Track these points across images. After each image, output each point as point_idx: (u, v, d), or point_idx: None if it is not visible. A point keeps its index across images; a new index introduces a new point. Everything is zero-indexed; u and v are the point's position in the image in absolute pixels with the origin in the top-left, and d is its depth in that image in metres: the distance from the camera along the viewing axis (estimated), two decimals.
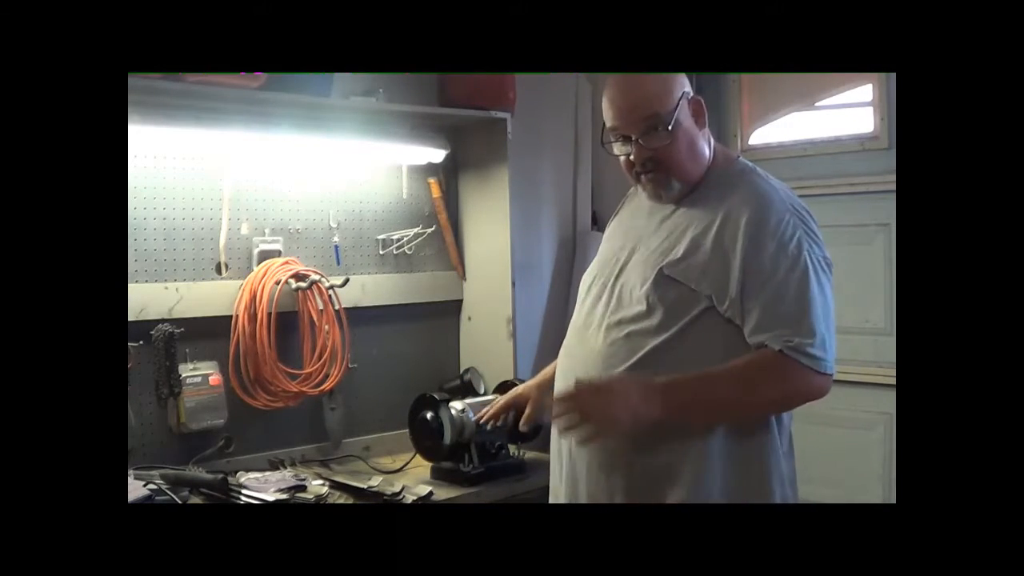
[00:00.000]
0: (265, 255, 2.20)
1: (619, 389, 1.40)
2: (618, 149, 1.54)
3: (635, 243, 1.57)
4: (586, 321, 1.57)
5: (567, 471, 1.57)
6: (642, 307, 1.47)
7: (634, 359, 1.46)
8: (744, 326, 1.43)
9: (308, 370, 2.18)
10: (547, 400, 1.78)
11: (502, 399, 1.99)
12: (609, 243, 1.66)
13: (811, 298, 1.40)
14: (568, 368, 1.58)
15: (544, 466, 1.75)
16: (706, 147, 1.55)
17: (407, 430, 2.17)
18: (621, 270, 1.55)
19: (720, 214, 1.46)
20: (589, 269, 1.67)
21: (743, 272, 1.41)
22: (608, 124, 1.54)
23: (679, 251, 1.47)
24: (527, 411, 1.86)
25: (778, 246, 1.42)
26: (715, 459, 1.44)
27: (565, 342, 1.64)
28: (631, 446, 1.45)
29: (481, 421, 2.00)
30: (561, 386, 1.57)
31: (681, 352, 1.44)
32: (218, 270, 2.14)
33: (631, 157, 1.52)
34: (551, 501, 1.64)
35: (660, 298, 1.45)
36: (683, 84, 1.53)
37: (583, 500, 1.53)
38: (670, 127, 1.47)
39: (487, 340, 2.47)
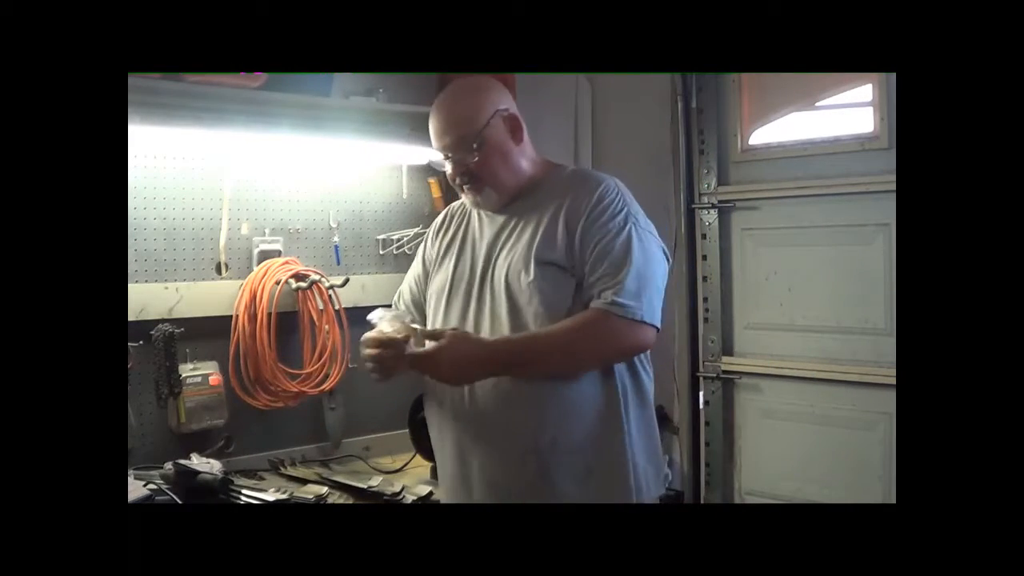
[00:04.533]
0: (265, 255, 2.20)
1: (448, 356, 1.51)
2: (445, 163, 1.69)
3: (491, 249, 1.65)
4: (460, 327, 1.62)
5: (459, 475, 1.63)
6: (524, 298, 1.56)
7: None
8: (583, 282, 1.56)
9: (308, 370, 2.19)
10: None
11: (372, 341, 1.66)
12: (454, 256, 1.72)
13: (631, 258, 1.53)
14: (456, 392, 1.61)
15: None
16: (522, 159, 1.67)
17: (407, 430, 2.17)
18: (485, 275, 1.63)
19: (566, 198, 1.60)
20: (437, 284, 1.72)
21: (581, 239, 1.55)
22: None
23: (542, 239, 1.58)
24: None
25: (609, 216, 1.56)
26: (619, 430, 1.57)
27: None
28: (549, 431, 1.54)
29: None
30: (443, 399, 1.64)
31: None
32: (218, 270, 2.14)
33: (449, 171, 1.67)
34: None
35: (539, 287, 1.55)
36: (496, 103, 1.64)
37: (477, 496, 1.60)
38: (476, 146, 1.61)
39: None
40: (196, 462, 1.84)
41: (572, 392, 1.56)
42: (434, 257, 1.78)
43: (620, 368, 1.59)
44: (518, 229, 1.63)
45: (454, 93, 1.65)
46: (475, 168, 1.62)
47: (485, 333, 1.59)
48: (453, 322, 1.65)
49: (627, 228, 1.56)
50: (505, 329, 1.57)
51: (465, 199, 1.71)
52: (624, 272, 1.52)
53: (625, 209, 1.59)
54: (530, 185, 1.67)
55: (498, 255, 1.63)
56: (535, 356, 1.52)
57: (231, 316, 2.10)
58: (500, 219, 1.67)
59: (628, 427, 1.58)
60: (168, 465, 1.81)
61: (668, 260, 1.64)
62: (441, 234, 1.80)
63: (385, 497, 1.93)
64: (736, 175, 2.87)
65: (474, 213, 1.74)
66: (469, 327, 1.61)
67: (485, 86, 1.66)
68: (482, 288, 1.63)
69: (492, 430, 1.58)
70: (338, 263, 2.36)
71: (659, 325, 1.55)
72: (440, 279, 1.72)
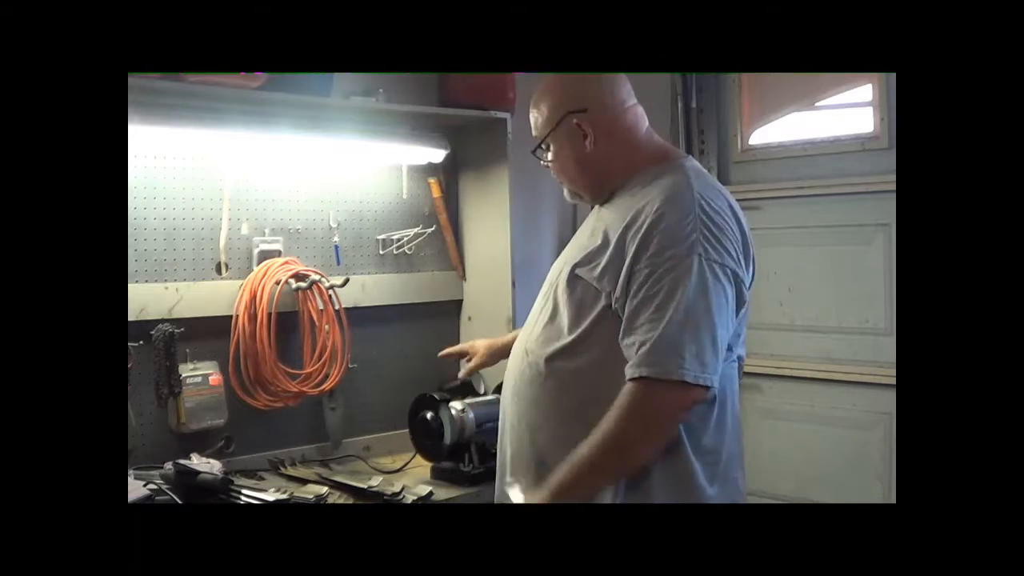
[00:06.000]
0: (265, 255, 2.20)
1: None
2: None
3: (573, 245, 1.63)
4: (529, 321, 1.65)
5: (499, 464, 1.63)
6: (556, 307, 1.52)
7: (543, 361, 1.51)
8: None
9: (308, 370, 2.18)
10: (489, 362, 2.10)
11: (459, 346, 2.23)
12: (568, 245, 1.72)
13: (675, 304, 1.35)
14: (508, 366, 1.65)
15: None
16: (601, 161, 1.56)
17: (407, 430, 2.17)
18: (561, 271, 1.59)
19: (630, 213, 1.47)
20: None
21: (629, 269, 1.41)
22: None
23: (590, 251, 1.50)
24: (469, 364, 2.12)
25: (664, 246, 1.39)
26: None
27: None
28: (540, 445, 1.51)
29: (439, 354, 2.22)
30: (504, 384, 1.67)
31: (584, 351, 1.47)
32: (218, 270, 2.14)
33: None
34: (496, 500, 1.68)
35: (569, 298, 1.50)
36: (567, 105, 1.57)
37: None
38: (548, 147, 1.61)
39: None
40: (196, 462, 1.84)
41: (564, 414, 1.49)
42: None
43: None
44: (591, 228, 1.57)
45: (536, 92, 1.64)
46: (553, 167, 1.63)
47: (533, 329, 1.57)
48: (533, 312, 1.64)
49: (682, 266, 1.36)
50: (538, 329, 1.55)
51: None
52: (662, 323, 1.34)
53: (692, 237, 1.38)
54: (629, 182, 1.55)
55: (571, 253, 1.60)
56: (582, 475, 1.39)
57: (231, 316, 2.10)
58: (596, 213, 1.62)
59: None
60: (168, 465, 1.81)
61: (745, 291, 1.46)
62: None
63: (385, 497, 1.93)
64: (736, 175, 2.87)
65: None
66: (531, 318, 1.62)
67: (556, 86, 1.60)
68: (550, 287, 1.60)
69: (515, 430, 1.57)
70: (338, 263, 2.36)
71: (710, 384, 1.35)
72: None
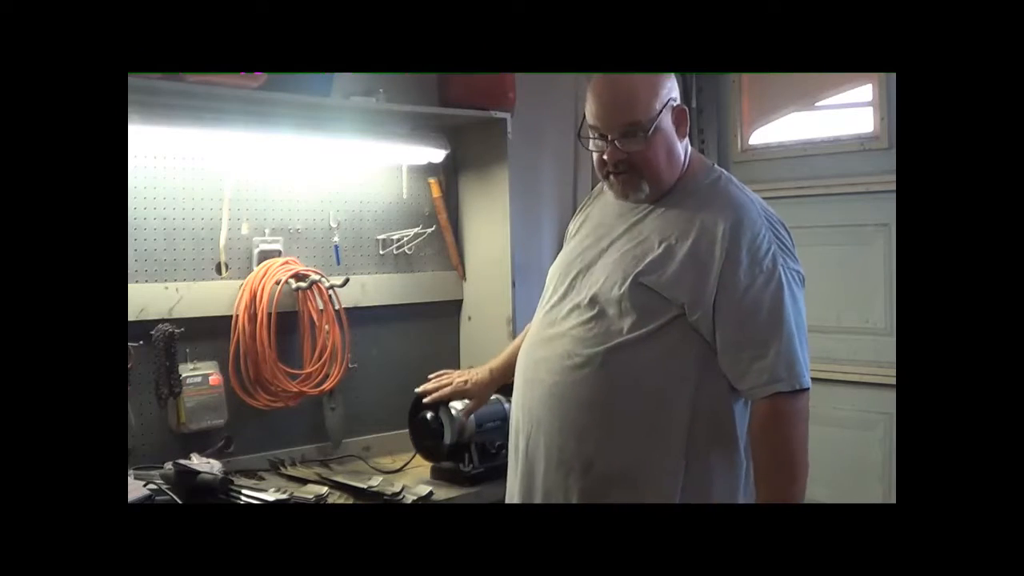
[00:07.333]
0: (265, 255, 2.20)
1: None
2: (594, 146, 1.55)
3: (605, 242, 1.57)
4: (548, 318, 1.58)
5: (522, 468, 1.59)
6: (613, 309, 1.48)
7: (599, 359, 1.47)
8: (717, 342, 1.44)
9: (308, 370, 2.18)
10: (488, 396, 1.96)
11: (448, 388, 1.95)
12: (576, 240, 1.66)
13: (782, 326, 1.41)
14: (530, 365, 1.58)
15: None
16: (682, 154, 1.56)
17: (407, 430, 2.17)
18: (589, 268, 1.56)
19: (696, 223, 1.47)
20: (554, 266, 1.67)
21: (718, 285, 1.43)
22: (588, 120, 1.54)
23: (653, 259, 1.47)
24: (469, 405, 1.96)
25: (752, 260, 1.43)
26: (671, 470, 1.46)
27: (527, 339, 1.65)
28: (589, 448, 1.48)
29: (424, 400, 1.99)
30: (521, 384, 1.60)
31: (646, 352, 1.45)
32: (218, 270, 2.14)
33: (605, 156, 1.52)
34: (507, 500, 1.65)
35: (632, 304, 1.46)
36: (670, 91, 1.53)
37: (538, 497, 1.54)
38: (648, 133, 1.48)
39: (487, 340, 2.47)
40: (196, 462, 1.84)
41: (623, 416, 1.46)
42: (571, 233, 1.70)
43: (697, 398, 1.45)
44: (637, 232, 1.53)
45: (623, 76, 1.51)
46: (637, 158, 1.49)
47: (568, 331, 1.51)
48: (545, 306, 1.59)
49: (775, 279, 1.42)
50: (579, 332, 1.49)
51: (610, 189, 1.57)
52: (775, 346, 1.40)
53: (772, 249, 1.44)
54: (677, 186, 1.54)
55: (607, 250, 1.54)
56: (779, 484, 1.42)
57: (231, 316, 2.10)
58: (630, 211, 1.56)
59: (684, 478, 1.44)
60: (168, 465, 1.81)
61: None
62: (581, 211, 1.71)
63: (385, 497, 1.93)
64: (736, 175, 2.86)
65: (609, 194, 1.61)
66: (552, 316, 1.56)
67: (655, 75, 1.52)
68: (582, 283, 1.54)
69: (557, 435, 1.51)
70: (338, 263, 2.36)
71: (809, 384, 1.43)
72: (558, 260, 1.65)
